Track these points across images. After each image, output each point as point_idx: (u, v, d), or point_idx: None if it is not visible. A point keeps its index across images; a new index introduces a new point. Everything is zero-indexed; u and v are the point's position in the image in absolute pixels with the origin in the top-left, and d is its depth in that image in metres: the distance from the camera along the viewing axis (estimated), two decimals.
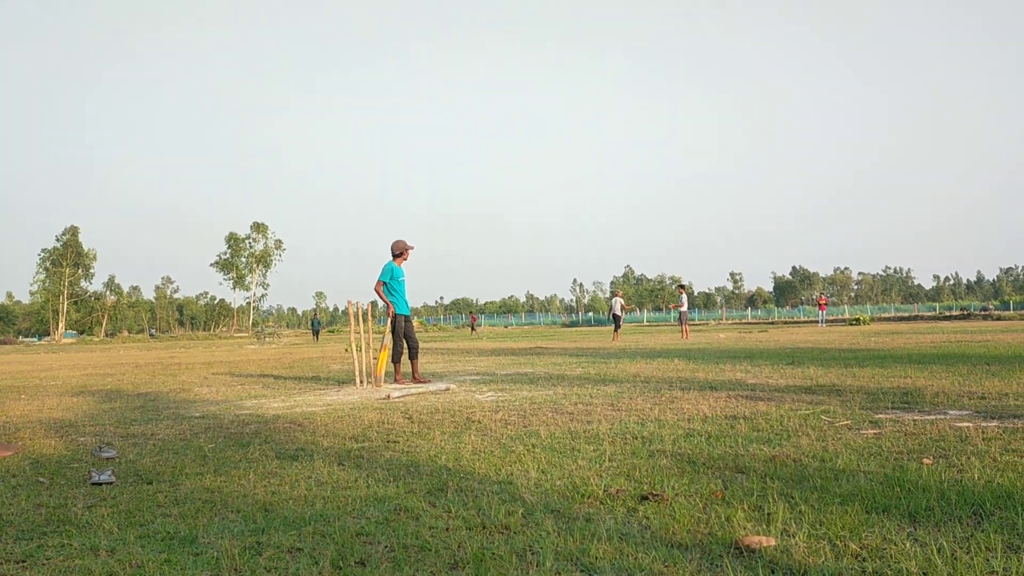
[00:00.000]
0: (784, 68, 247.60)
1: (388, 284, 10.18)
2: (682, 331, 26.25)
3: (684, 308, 26.49)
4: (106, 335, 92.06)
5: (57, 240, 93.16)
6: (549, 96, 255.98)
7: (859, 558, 2.55)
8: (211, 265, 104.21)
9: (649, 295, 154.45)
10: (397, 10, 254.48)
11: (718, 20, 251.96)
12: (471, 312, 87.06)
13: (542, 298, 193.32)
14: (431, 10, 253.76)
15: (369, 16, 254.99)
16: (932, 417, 5.49)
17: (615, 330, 26.17)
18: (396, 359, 10.15)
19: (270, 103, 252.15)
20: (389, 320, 10.19)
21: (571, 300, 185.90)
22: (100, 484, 4.09)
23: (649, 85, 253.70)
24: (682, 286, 28.13)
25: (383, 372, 9.89)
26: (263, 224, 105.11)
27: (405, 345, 10.24)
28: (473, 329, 59.63)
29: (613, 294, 27.16)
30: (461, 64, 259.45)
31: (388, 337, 10.16)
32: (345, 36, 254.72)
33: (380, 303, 10.43)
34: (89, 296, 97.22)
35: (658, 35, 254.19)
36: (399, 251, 10.33)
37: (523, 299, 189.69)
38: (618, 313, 26.26)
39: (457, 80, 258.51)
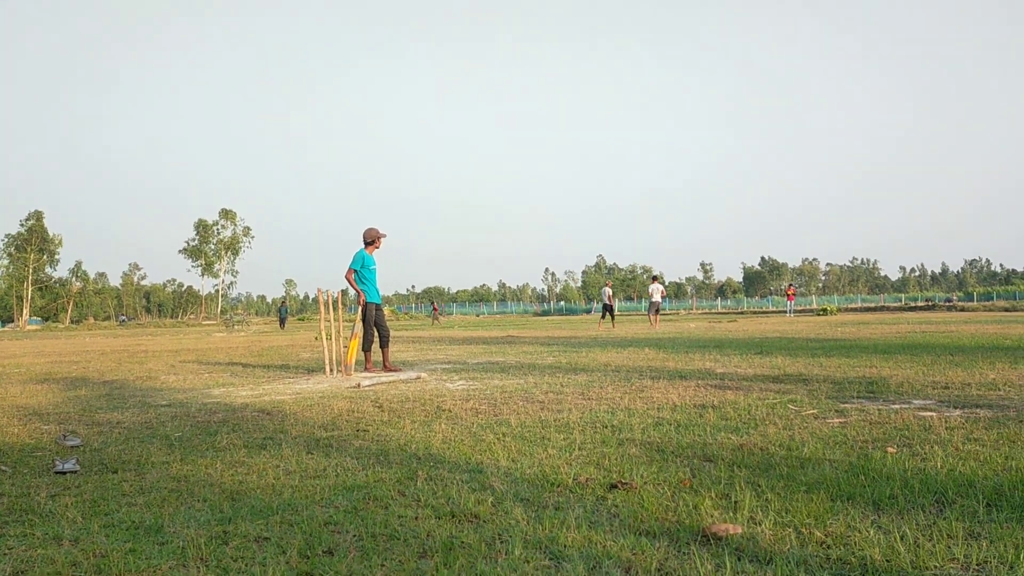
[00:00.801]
0: (765, 63, 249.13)
1: (359, 272, 10.12)
2: (652, 320, 26.81)
3: (656, 299, 26.99)
4: (72, 322, 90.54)
5: (21, 225, 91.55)
6: (527, 88, 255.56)
7: (824, 545, 2.58)
8: (180, 252, 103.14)
9: (621, 285, 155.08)
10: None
11: (710, 14, 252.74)
12: (433, 301, 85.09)
13: (514, 287, 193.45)
14: None
15: (357, 6, 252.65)
16: (897, 406, 5.57)
17: (602, 318, 27.50)
18: (367, 347, 10.10)
19: (241, 88, 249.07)
20: (360, 308, 10.13)
21: (543, 289, 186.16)
22: (64, 473, 4.03)
23: (629, 78, 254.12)
24: (655, 277, 28.68)
25: (353, 360, 9.84)
26: (231, 211, 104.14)
27: (376, 333, 10.19)
28: (435, 319, 57.23)
29: (604, 284, 27.96)
30: (440, 52, 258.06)
31: (359, 325, 10.10)
32: (328, 24, 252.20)
33: (351, 291, 10.37)
34: (54, 282, 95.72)
35: (647, 27, 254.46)
36: (371, 239, 10.26)
37: (495, 288, 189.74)
38: (607, 302, 27.44)
39: (433, 67, 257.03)
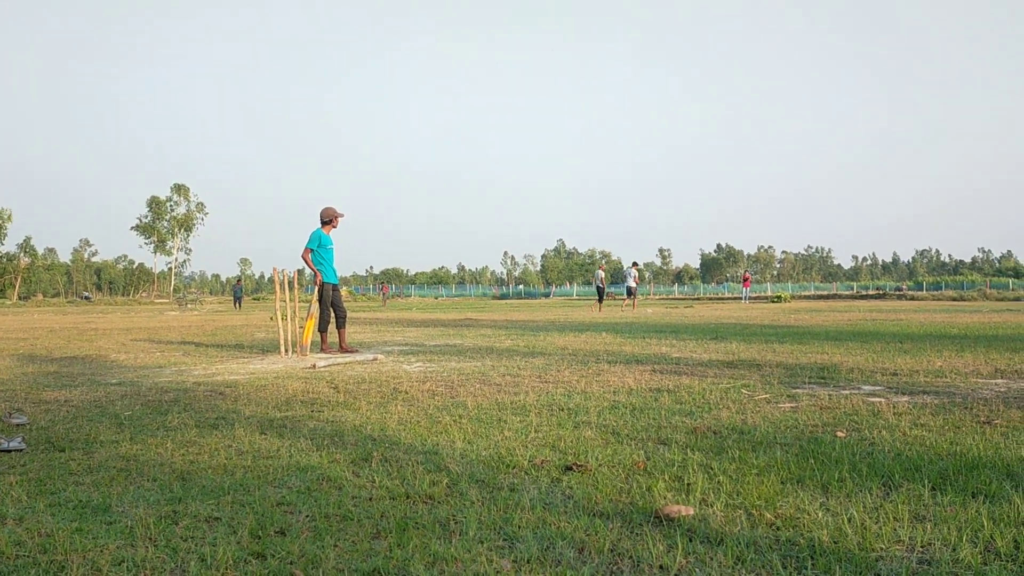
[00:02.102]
0: (731, 56, 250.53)
1: (316, 251, 10.03)
2: (631, 303, 28.32)
3: (630, 283, 27.72)
4: (19, 298, 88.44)
5: None
6: (491, 72, 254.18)
7: (774, 527, 2.62)
8: (132, 229, 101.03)
9: (579, 269, 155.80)
10: None
11: (677, 4, 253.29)
12: (383, 283, 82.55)
13: (473, 270, 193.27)
14: None
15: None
16: (846, 392, 5.67)
17: (599, 301, 28.62)
18: (323, 328, 10.02)
19: (200, 60, 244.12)
20: (316, 288, 10.04)
21: (502, 273, 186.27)
22: (9, 451, 3.94)
23: (595, 65, 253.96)
24: (635, 263, 29.12)
25: (309, 341, 9.76)
26: (184, 186, 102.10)
27: (332, 314, 10.12)
28: (385, 301, 54.99)
29: (598, 267, 28.67)
30: (408, 30, 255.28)
31: (315, 306, 10.02)
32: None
33: (307, 271, 10.27)
34: (1, 257, 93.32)
35: (616, 16, 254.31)
36: (328, 218, 10.16)
37: (454, 271, 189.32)
38: (600, 285, 28.33)
39: (399, 47, 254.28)
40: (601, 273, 28.47)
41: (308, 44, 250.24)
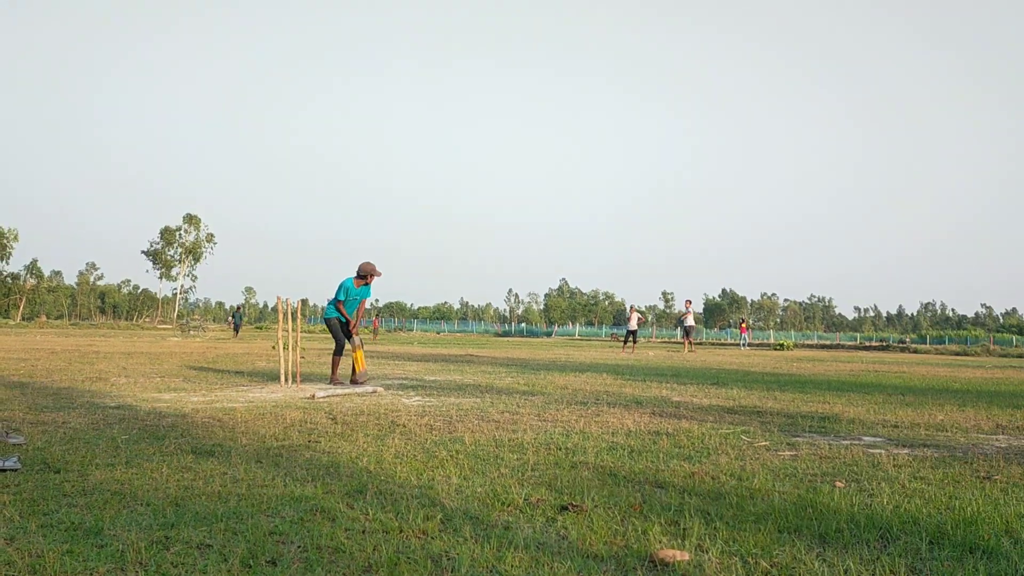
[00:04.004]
0: (733, 98, 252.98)
1: (345, 302, 10.28)
2: (631, 346, 27.95)
3: (634, 327, 27.59)
4: (23, 319, 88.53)
5: None
6: (502, 107, 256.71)
7: (769, 575, 2.59)
8: (143, 252, 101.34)
9: (582, 309, 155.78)
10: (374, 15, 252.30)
11: (676, 45, 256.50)
12: (375, 316, 78.91)
13: (476, 306, 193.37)
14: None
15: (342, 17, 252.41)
16: (847, 442, 5.64)
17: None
18: (338, 352, 10.19)
19: (212, 90, 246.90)
20: (347, 327, 10.25)
21: (505, 310, 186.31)
22: (4, 471, 3.93)
23: (601, 103, 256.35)
24: (633, 307, 29.07)
25: (362, 368, 9.83)
26: (196, 216, 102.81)
27: (336, 343, 10.26)
28: (375, 335, 51.09)
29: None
30: (411, 69, 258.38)
31: (357, 339, 10.12)
32: (305, 31, 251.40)
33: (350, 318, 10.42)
34: (6, 277, 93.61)
35: (612, 53, 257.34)
36: (363, 273, 10.32)
37: (457, 306, 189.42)
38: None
39: (403, 85, 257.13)
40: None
41: (316, 74, 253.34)
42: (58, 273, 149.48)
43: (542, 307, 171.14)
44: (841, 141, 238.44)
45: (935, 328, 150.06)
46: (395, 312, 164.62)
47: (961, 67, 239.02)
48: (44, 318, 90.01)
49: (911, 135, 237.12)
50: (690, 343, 27.59)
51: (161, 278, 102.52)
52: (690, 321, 27.23)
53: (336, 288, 10.32)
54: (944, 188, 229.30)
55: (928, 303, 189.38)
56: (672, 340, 78.35)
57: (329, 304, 10.49)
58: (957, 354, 44.98)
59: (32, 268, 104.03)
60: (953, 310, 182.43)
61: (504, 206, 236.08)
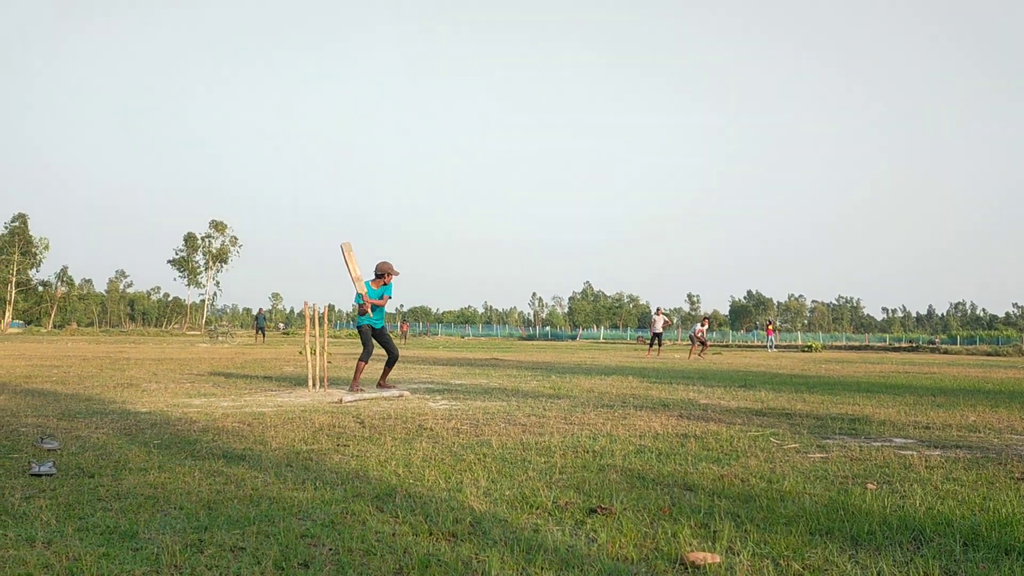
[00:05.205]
0: (760, 98, 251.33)
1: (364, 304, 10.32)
2: (656, 349, 28.06)
3: (660, 330, 27.72)
4: (54, 326, 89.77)
5: (5, 227, 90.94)
6: (520, 110, 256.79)
7: None
8: (168, 262, 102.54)
9: (607, 312, 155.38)
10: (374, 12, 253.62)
11: (707, 46, 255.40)
12: (403, 320, 79.80)
13: (501, 310, 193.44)
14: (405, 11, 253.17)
15: (346, 20, 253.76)
16: (878, 444, 5.59)
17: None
18: (364, 359, 10.17)
19: (235, 97, 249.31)
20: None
21: (530, 314, 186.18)
22: (40, 475, 3.99)
23: (622, 105, 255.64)
24: (659, 309, 29.00)
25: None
26: (222, 222, 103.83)
27: (369, 351, 10.26)
28: (404, 338, 52.12)
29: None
30: (435, 73, 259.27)
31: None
32: (323, 40, 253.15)
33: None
34: (37, 284, 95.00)
35: (642, 55, 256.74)
36: (380, 273, 10.34)
37: (481, 310, 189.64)
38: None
39: (430, 89, 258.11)
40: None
41: (349, 82, 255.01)
42: (88, 281, 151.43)
43: (566, 310, 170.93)
44: (868, 141, 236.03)
45: (965, 328, 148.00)
46: (420, 316, 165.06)
47: (989, 63, 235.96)
48: (75, 325, 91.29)
49: (939, 133, 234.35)
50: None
51: (188, 285, 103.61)
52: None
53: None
54: (973, 186, 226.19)
55: (958, 303, 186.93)
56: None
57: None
58: (988, 354, 44.33)
59: (63, 276, 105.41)
60: (984, 310, 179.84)
61: (529, 211, 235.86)
